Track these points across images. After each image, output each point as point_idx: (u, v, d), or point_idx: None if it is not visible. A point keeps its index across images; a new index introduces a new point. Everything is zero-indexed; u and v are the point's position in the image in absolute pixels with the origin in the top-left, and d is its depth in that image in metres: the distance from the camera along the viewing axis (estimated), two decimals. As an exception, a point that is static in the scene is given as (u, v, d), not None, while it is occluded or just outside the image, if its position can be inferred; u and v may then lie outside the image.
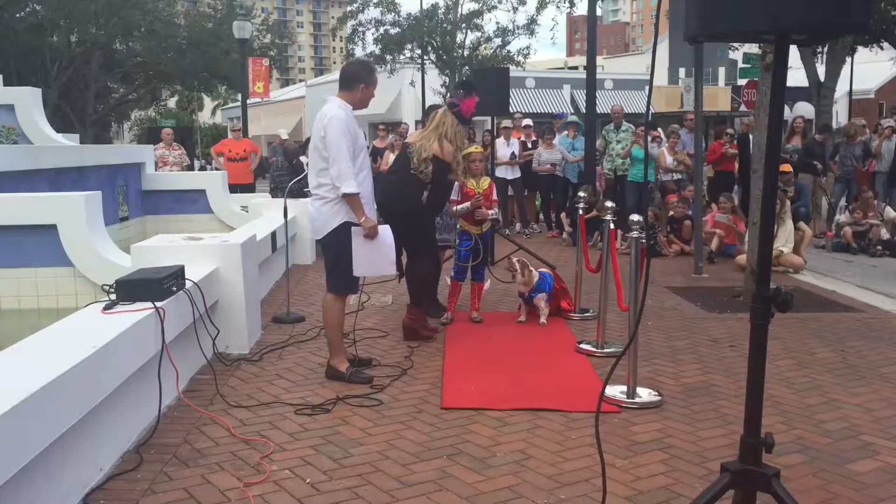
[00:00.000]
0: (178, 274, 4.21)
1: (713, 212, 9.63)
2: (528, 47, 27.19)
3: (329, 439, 3.68)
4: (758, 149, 6.83)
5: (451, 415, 4.01)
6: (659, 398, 4.24)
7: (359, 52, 27.39)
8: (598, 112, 11.70)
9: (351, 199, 4.40)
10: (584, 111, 11.25)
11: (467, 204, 5.89)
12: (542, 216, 12.19)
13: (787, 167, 10.13)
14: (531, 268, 6.04)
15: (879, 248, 9.93)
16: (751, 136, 9.62)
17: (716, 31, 2.18)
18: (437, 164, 5.28)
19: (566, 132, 11.78)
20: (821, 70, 14.61)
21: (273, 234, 7.09)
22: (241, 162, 12.84)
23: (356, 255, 4.48)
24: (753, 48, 14.84)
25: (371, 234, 4.47)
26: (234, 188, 11.86)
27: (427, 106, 8.43)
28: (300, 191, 7.13)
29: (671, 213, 9.91)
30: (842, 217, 10.83)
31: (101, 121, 32.46)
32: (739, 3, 2.05)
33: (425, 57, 26.99)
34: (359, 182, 4.43)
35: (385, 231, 4.58)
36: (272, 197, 9.66)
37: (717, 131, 12.07)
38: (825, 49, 14.87)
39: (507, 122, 11.48)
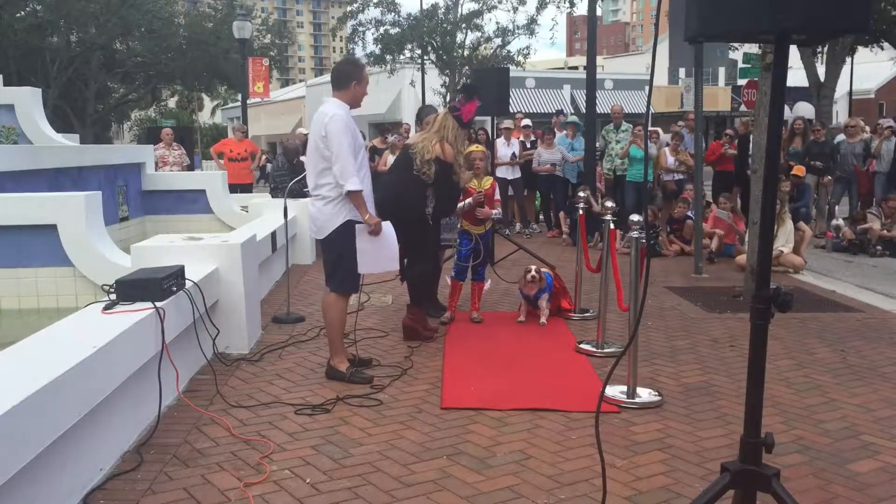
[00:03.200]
0: (178, 274, 4.21)
1: (712, 212, 9.62)
2: (528, 47, 27.18)
3: (329, 439, 3.68)
4: (758, 149, 6.83)
5: (451, 415, 4.01)
6: (659, 398, 4.24)
7: (359, 52, 27.38)
8: (598, 112, 11.69)
9: (355, 197, 4.41)
10: (584, 111, 11.24)
11: (469, 200, 5.90)
12: (542, 216, 12.20)
13: (801, 170, 10.07)
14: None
15: (879, 248, 9.93)
16: (751, 136, 9.62)
17: (716, 31, 2.17)
18: (440, 166, 5.30)
19: (565, 132, 11.77)
20: (821, 70, 14.62)
21: (273, 234, 7.09)
22: (241, 162, 12.89)
23: (360, 252, 4.49)
24: (753, 48, 14.83)
25: (376, 231, 4.49)
26: (234, 188, 11.89)
27: (420, 106, 8.40)
28: (300, 191, 7.13)
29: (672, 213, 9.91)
30: (840, 221, 10.80)
31: (101, 121, 32.45)
32: (739, 3, 2.05)
33: (425, 57, 26.98)
34: (360, 179, 4.44)
35: (387, 227, 4.60)
36: (272, 197, 9.66)
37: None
38: (825, 49, 14.87)
39: (507, 123, 11.47)
